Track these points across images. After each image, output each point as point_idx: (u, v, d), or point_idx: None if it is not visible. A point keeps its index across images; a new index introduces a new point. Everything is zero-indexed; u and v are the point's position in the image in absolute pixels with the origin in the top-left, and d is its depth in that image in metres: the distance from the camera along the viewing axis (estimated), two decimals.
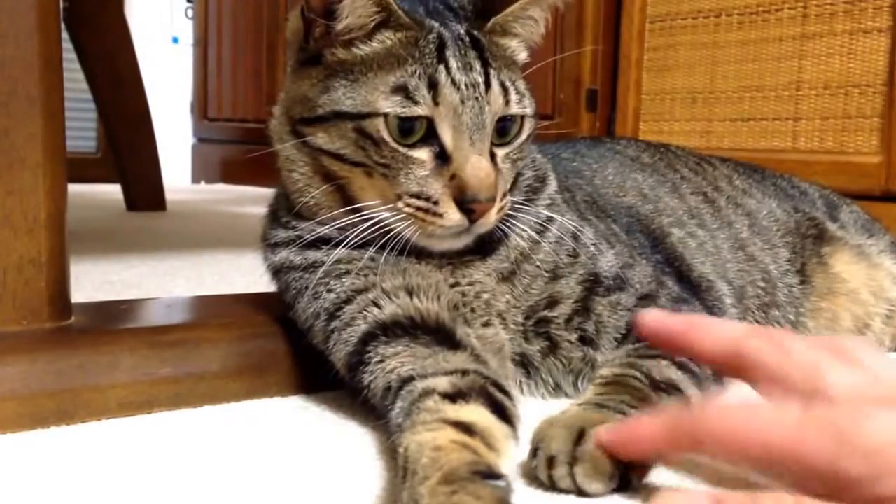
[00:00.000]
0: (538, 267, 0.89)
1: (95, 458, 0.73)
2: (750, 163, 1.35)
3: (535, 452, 0.67)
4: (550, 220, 0.91)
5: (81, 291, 0.92)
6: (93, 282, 1.44)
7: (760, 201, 1.21)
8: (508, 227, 0.87)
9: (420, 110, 0.80)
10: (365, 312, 0.82)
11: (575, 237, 0.91)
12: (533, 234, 0.89)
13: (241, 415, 0.85)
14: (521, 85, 0.87)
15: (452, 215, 0.80)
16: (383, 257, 0.83)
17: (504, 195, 0.84)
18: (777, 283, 1.12)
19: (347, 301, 0.84)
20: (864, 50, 2.04)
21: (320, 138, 0.83)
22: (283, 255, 0.89)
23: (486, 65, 0.83)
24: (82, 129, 3.84)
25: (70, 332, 0.87)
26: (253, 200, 3.14)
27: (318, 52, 0.84)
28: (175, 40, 4.62)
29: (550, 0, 0.89)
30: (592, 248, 0.91)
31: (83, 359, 0.83)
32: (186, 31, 4.62)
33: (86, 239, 1.75)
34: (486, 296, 0.87)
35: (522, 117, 0.86)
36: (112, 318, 0.96)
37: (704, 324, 0.67)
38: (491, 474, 0.58)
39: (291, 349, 0.92)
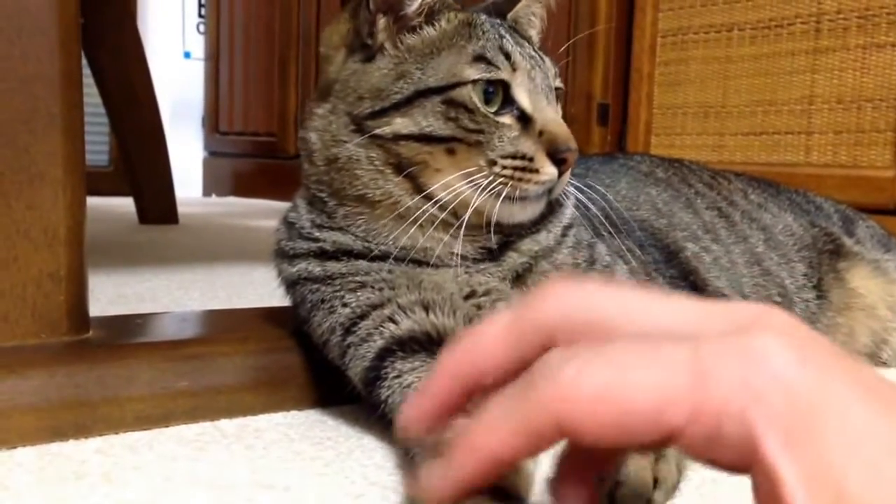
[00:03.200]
0: (556, 268, 0.88)
1: (114, 471, 0.73)
2: (764, 178, 1.35)
3: None
4: (569, 226, 0.92)
5: (96, 304, 0.92)
6: (107, 295, 1.45)
7: (776, 216, 1.22)
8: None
9: (503, 74, 0.83)
10: (381, 328, 0.82)
11: (590, 246, 0.91)
12: (557, 232, 0.90)
13: (257, 428, 0.86)
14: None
15: (548, 168, 0.83)
16: (399, 269, 0.84)
17: None
18: (793, 297, 1.12)
19: (363, 316, 0.83)
20: (877, 64, 2.05)
21: (399, 124, 0.83)
22: (301, 266, 0.88)
23: (530, 43, 0.90)
24: (95, 143, 3.86)
25: (88, 345, 0.87)
26: (264, 214, 3.15)
27: (381, 45, 0.86)
28: (187, 55, 4.64)
29: None
30: (608, 258, 0.91)
31: (101, 372, 0.83)
32: (198, 46, 4.64)
33: (99, 252, 1.76)
34: (501, 303, 0.86)
35: (561, 90, 0.91)
36: (129, 331, 0.96)
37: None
38: (510, 494, 0.58)
39: (307, 363, 0.92)
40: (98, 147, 3.97)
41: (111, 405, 0.82)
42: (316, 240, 0.89)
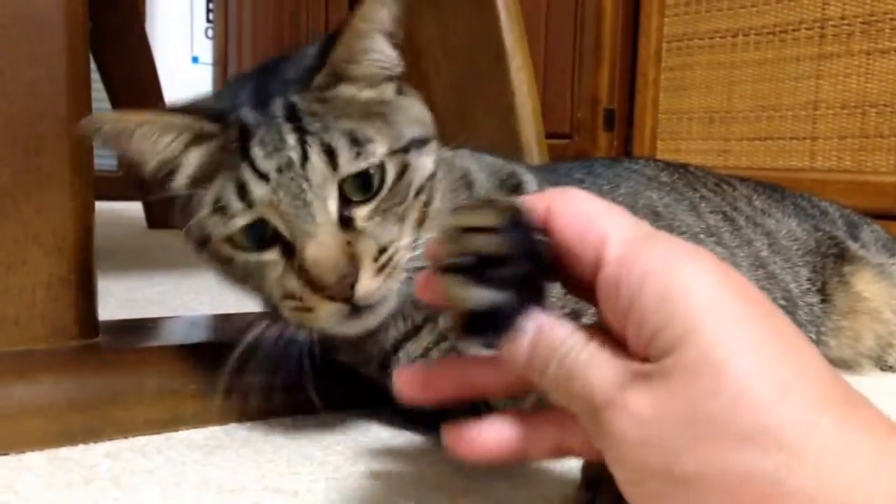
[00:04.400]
0: None
1: (123, 476, 0.74)
2: (770, 182, 1.35)
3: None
4: None
5: (105, 308, 0.92)
6: (116, 299, 1.45)
7: (780, 221, 1.22)
8: None
9: (239, 221, 0.74)
10: None
11: None
12: None
13: (266, 432, 0.86)
14: (368, 129, 0.76)
15: (322, 306, 0.73)
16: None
17: (383, 249, 0.74)
18: (798, 301, 1.13)
19: None
20: (881, 70, 2.05)
21: (213, 268, 0.81)
22: None
23: (302, 134, 0.74)
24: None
25: (98, 349, 0.87)
26: None
27: (166, 195, 0.81)
28: (195, 60, 4.65)
29: (383, 25, 0.79)
30: None
31: (111, 376, 0.84)
32: (206, 51, 4.65)
33: (108, 256, 1.76)
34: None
35: (379, 165, 0.75)
36: (138, 336, 0.97)
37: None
38: None
39: (315, 367, 0.92)
40: (107, 152, 3.97)
41: (120, 409, 0.83)
42: None
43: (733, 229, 1.15)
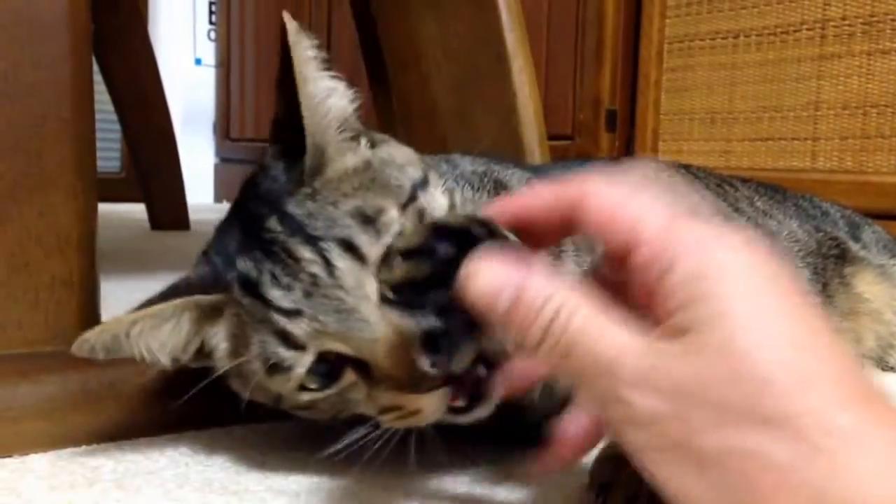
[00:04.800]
0: None
1: (126, 477, 0.74)
2: (771, 183, 1.35)
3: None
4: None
5: (108, 310, 0.92)
6: (119, 300, 1.45)
7: (781, 222, 1.22)
8: None
9: (300, 367, 0.67)
10: None
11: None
12: None
13: (269, 433, 0.86)
14: (372, 201, 0.69)
15: (425, 401, 0.67)
16: None
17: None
18: None
19: None
20: (882, 70, 2.04)
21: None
22: None
23: (314, 241, 0.67)
24: (107, 149, 3.87)
25: None
26: None
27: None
28: (198, 62, 4.65)
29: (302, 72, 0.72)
30: None
31: (114, 378, 0.84)
32: (209, 52, 4.65)
33: (111, 258, 1.76)
34: None
35: (398, 221, 0.68)
36: None
37: None
38: None
39: None
40: (110, 153, 3.98)
41: (124, 411, 0.83)
42: None
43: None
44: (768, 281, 0.49)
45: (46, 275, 0.84)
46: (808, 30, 2.18)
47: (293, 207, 0.69)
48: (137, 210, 2.92)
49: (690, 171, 1.27)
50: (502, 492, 0.73)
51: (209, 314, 0.72)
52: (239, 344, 0.71)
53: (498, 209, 0.59)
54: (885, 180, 2.03)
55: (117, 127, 2.92)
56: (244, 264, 0.70)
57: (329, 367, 0.68)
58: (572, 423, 0.59)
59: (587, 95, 2.68)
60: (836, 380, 0.45)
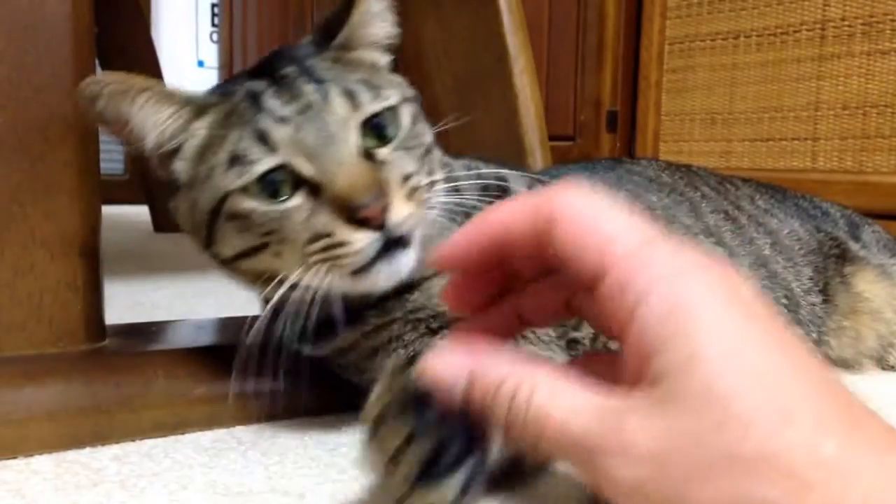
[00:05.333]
0: None
1: (130, 479, 0.74)
2: (772, 183, 1.36)
3: None
4: None
5: (112, 312, 0.93)
6: (123, 303, 1.46)
7: (782, 221, 1.22)
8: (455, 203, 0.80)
9: (260, 167, 0.73)
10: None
11: None
12: None
13: (273, 435, 0.86)
14: (380, 79, 0.81)
15: (354, 235, 0.71)
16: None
17: (408, 177, 0.75)
18: (800, 301, 1.13)
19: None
20: (881, 70, 2.05)
21: (221, 249, 0.79)
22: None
23: (319, 82, 0.76)
24: (110, 151, 3.88)
25: (105, 353, 0.88)
26: None
27: (171, 178, 0.81)
28: (200, 64, 4.66)
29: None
30: None
31: (118, 380, 0.84)
32: (212, 55, 4.66)
33: (115, 260, 1.77)
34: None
35: (393, 108, 0.78)
36: (145, 339, 0.97)
37: None
38: None
39: (321, 370, 0.93)
40: (113, 156, 3.98)
41: (127, 413, 0.83)
42: None
43: (735, 228, 1.15)
44: (741, 313, 0.47)
45: (51, 277, 0.84)
46: (807, 30, 2.18)
47: (312, 61, 0.80)
48: (141, 213, 2.92)
49: (691, 171, 1.27)
50: (506, 488, 0.73)
51: (201, 112, 0.79)
52: (210, 144, 0.77)
53: (470, 235, 0.56)
54: (884, 180, 2.03)
55: None
56: (251, 84, 0.78)
57: (277, 187, 0.74)
58: None
59: (588, 96, 2.68)
60: (818, 408, 0.45)
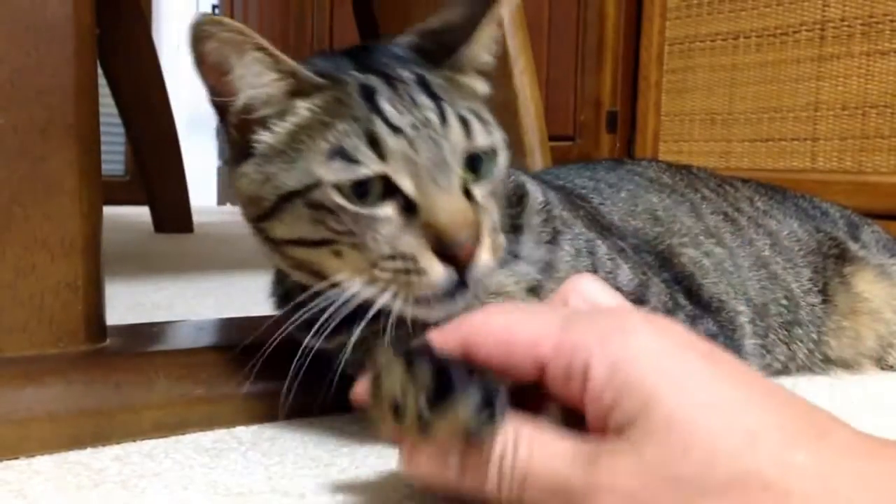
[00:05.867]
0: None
1: (131, 479, 0.74)
2: (771, 184, 1.36)
3: None
4: (556, 234, 0.88)
5: (112, 312, 0.93)
6: (124, 303, 1.46)
7: (781, 221, 1.22)
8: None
9: (365, 170, 0.71)
10: None
11: (590, 252, 0.89)
12: (541, 255, 0.85)
13: (273, 435, 0.87)
14: (486, 114, 0.79)
15: (436, 268, 0.70)
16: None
17: (494, 230, 0.75)
18: (799, 301, 1.13)
19: None
20: (881, 71, 2.05)
21: (278, 230, 0.77)
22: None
23: (436, 99, 0.74)
24: (111, 152, 3.88)
25: (106, 354, 0.88)
26: None
27: (246, 143, 0.78)
28: None
29: (498, 16, 0.81)
30: (609, 262, 0.91)
31: (119, 380, 0.84)
32: None
33: (115, 260, 1.77)
34: None
35: (494, 149, 0.77)
36: (146, 340, 0.97)
37: None
38: None
39: (320, 371, 0.93)
40: (114, 156, 3.98)
41: (128, 413, 0.84)
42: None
43: (735, 230, 1.15)
44: (677, 350, 0.49)
45: (52, 278, 0.85)
46: (807, 31, 2.19)
47: (428, 74, 0.76)
48: (141, 213, 2.93)
49: (691, 172, 1.27)
50: None
51: (306, 91, 0.75)
52: (310, 126, 0.74)
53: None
54: (884, 180, 2.03)
55: (121, 130, 2.93)
56: (364, 77, 0.75)
57: (366, 191, 0.72)
58: None
59: (588, 97, 2.69)
60: (779, 423, 0.46)
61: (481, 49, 0.81)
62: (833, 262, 1.20)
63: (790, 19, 2.21)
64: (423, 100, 0.73)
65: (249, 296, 1.62)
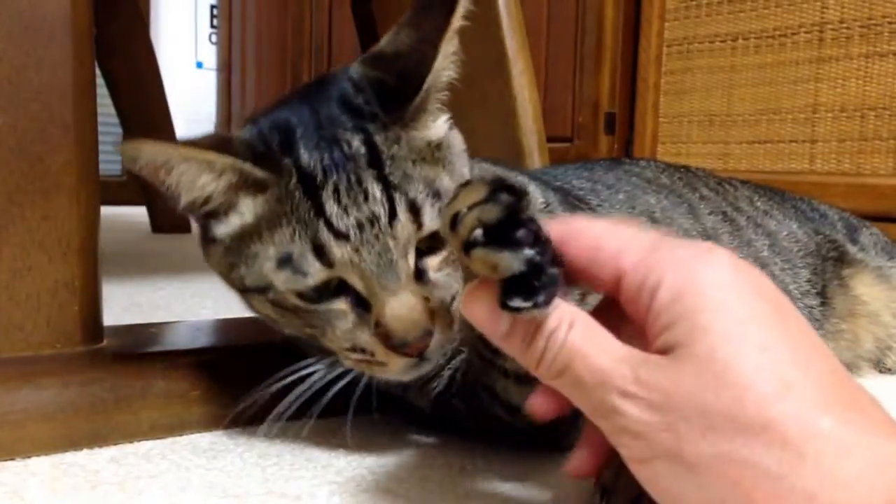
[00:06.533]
0: None
1: (128, 481, 0.74)
2: (770, 185, 1.36)
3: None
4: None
5: (109, 313, 0.93)
6: (120, 304, 1.46)
7: (780, 222, 1.22)
8: None
9: (312, 280, 0.70)
10: None
11: None
12: None
13: (270, 436, 0.86)
14: (443, 180, 0.73)
15: (394, 361, 0.71)
16: None
17: (453, 297, 0.73)
18: (797, 303, 1.13)
19: None
20: (879, 73, 2.05)
21: (255, 304, 0.78)
22: None
23: (386, 186, 0.70)
24: (108, 152, 3.86)
25: (102, 355, 0.88)
26: None
27: (206, 230, 0.77)
28: (199, 65, 4.66)
29: (455, 29, 0.73)
30: None
31: (115, 381, 0.84)
32: (210, 56, 4.66)
33: (113, 261, 1.77)
34: None
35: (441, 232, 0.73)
36: (143, 341, 0.97)
37: None
38: None
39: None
40: (111, 156, 3.97)
41: (125, 414, 0.83)
42: None
43: (733, 230, 1.15)
44: (747, 292, 0.50)
45: (49, 279, 0.84)
46: (806, 33, 2.19)
47: (380, 141, 0.72)
48: (139, 213, 2.93)
49: (690, 172, 1.27)
50: (506, 489, 0.73)
51: (249, 187, 0.72)
52: (258, 229, 0.72)
53: None
54: (882, 182, 2.03)
55: (119, 130, 2.92)
56: (310, 159, 0.71)
57: (328, 286, 0.71)
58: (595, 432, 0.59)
59: (586, 98, 2.69)
60: (817, 384, 0.46)
61: (442, 75, 0.75)
62: (831, 264, 1.20)
63: (789, 21, 2.21)
64: (374, 189, 0.70)
65: None
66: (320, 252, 0.69)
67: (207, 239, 0.77)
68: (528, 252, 0.51)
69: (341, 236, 0.69)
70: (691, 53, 2.43)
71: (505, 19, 1.62)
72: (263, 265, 0.72)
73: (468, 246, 0.53)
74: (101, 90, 2.61)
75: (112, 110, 2.71)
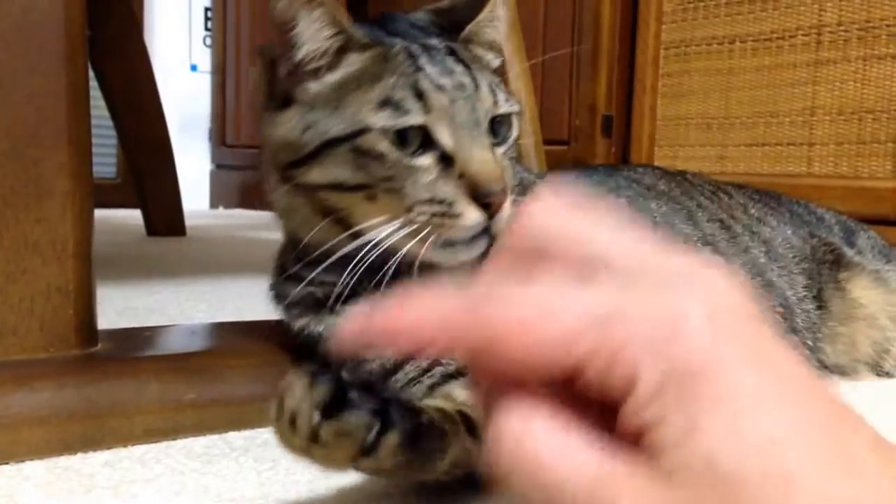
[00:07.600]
0: None
1: (122, 485, 0.74)
2: (766, 189, 1.36)
3: None
4: None
5: (104, 316, 0.93)
6: (115, 307, 1.46)
7: (775, 229, 1.22)
8: None
9: (412, 119, 0.78)
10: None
11: None
12: None
13: (265, 440, 0.86)
14: (503, 88, 0.86)
15: (471, 213, 0.77)
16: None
17: (513, 187, 0.83)
18: (795, 308, 1.13)
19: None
20: (877, 76, 2.05)
21: (314, 174, 0.82)
22: (302, 322, 0.90)
23: (467, 67, 0.82)
24: (103, 155, 3.88)
25: (97, 358, 0.88)
26: (271, 226, 3.14)
27: (288, 93, 0.84)
28: (194, 68, 4.66)
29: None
30: None
31: (110, 385, 0.84)
32: (205, 58, 4.66)
33: (107, 264, 1.77)
34: None
35: (510, 115, 0.85)
36: (137, 344, 0.97)
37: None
38: None
39: None
40: (106, 159, 3.98)
41: (120, 418, 0.83)
42: (304, 279, 0.87)
43: (730, 237, 1.15)
44: (742, 363, 0.41)
45: (43, 282, 0.84)
46: (803, 35, 2.19)
47: (456, 47, 0.85)
48: (133, 216, 2.92)
49: (686, 179, 1.27)
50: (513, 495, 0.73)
51: (350, 47, 0.82)
52: (357, 79, 0.81)
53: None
54: (880, 185, 2.04)
55: (113, 133, 2.91)
56: (404, 42, 0.83)
57: (411, 138, 0.79)
58: None
59: (583, 101, 2.69)
60: (822, 464, 0.40)
61: (485, 25, 0.89)
62: (828, 267, 1.20)
63: (786, 23, 2.22)
64: (456, 67, 0.81)
65: (242, 300, 1.61)
66: (420, 95, 0.79)
67: (285, 102, 0.84)
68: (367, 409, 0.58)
69: (440, 88, 0.79)
70: (688, 56, 2.43)
71: (501, 21, 1.62)
72: (361, 108, 0.79)
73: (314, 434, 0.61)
74: (95, 93, 2.61)
75: (106, 113, 2.71)
